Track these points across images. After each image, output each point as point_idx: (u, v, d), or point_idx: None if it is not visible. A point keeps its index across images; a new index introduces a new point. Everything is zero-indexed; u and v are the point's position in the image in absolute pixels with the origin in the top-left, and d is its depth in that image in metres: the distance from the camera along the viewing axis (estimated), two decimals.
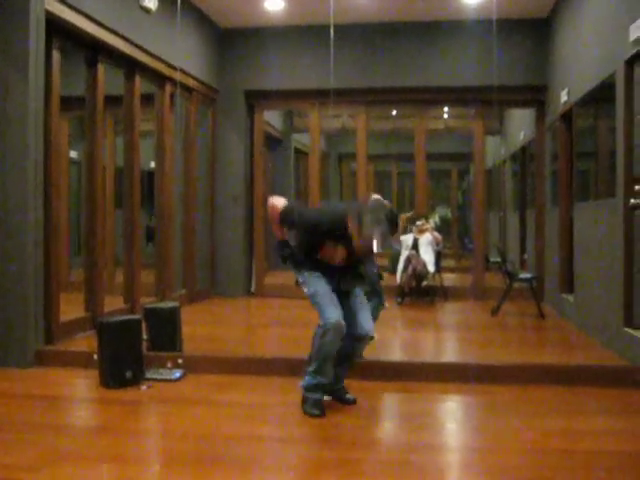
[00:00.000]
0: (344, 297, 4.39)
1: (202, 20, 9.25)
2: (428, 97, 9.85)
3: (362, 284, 4.57)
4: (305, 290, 4.38)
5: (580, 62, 7.33)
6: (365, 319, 4.40)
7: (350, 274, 4.45)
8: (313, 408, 4.29)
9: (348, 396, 4.54)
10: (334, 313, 4.22)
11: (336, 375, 4.46)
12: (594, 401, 4.70)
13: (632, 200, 5.58)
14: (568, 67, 7.94)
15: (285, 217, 4.38)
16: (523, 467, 3.47)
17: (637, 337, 5.41)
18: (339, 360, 4.40)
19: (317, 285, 4.32)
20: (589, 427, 4.18)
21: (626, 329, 5.65)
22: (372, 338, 4.62)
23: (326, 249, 4.36)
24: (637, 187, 5.52)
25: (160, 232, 8.45)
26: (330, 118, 12.81)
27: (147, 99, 8.05)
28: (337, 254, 4.36)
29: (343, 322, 4.21)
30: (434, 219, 14.78)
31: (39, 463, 3.47)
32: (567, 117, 8.05)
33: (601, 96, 6.54)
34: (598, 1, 6.66)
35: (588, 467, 3.48)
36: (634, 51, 5.45)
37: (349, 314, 4.34)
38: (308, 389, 4.35)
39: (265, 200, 8.55)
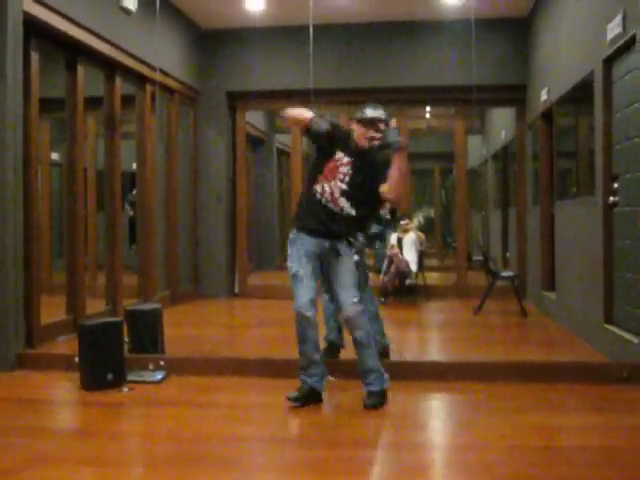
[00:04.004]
0: (332, 264, 4.40)
1: (183, 21, 9.23)
2: (409, 97, 9.89)
3: (352, 239, 4.47)
4: (288, 264, 4.45)
5: (559, 61, 7.38)
6: (345, 296, 4.35)
7: (333, 231, 4.40)
8: (293, 393, 4.42)
9: (366, 402, 4.37)
10: (301, 299, 4.33)
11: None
12: (574, 397, 4.73)
13: (611, 198, 5.63)
14: (547, 66, 7.99)
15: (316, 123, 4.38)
16: (504, 464, 3.49)
17: (617, 334, 5.46)
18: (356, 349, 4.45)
19: (299, 265, 4.38)
20: (569, 423, 4.21)
21: (606, 326, 5.69)
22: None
23: (331, 165, 4.38)
24: (616, 185, 5.57)
25: (142, 233, 8.41)
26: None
27: (128, 100, 8.02)
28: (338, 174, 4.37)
29: (307, 308, 4.30)
30: (418, 218, 14.83)
31: (19, 466, 3.44)
32: (547, 116, 8.10)
33: (580, 95, 6.59)
34: (576, 1, 6.71)
35: (568, 463, 3.50)
36: (611, 50, 5.50)
37: (334, 286, 4.41)
38: (300, 371, 4.49)
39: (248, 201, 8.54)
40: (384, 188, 4.38)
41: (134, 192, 9.07)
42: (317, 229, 4.40)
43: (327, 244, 4.40)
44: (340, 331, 5.43)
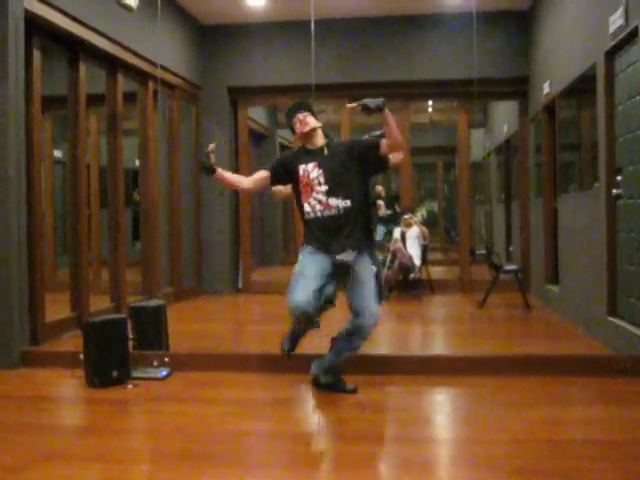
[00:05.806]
0: (346, 274, 4.42)
1: (184, 17, 9.22)
2: (412, 91, 9.87)
3: (359, 246, 4.44)
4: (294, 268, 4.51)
5: (561, 54, 7.36)
6: (362, 302, 4.41)
7: (344, 237, 4.40)
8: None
9: (349, 386, 4.56)
10: (295, 295, 4.33)
11: (334, 364, 4.53)
12: (579, 391, 4.73)
13: (614, 190, 5.62)
14: (550, 59, 7.97)
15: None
16: (509, 457, 3.49)
17: (621, 326, 5.46)
18: (340, 345, 4.52)
19: (303, 265, 4.43)
20: (574, 416, 4.21)
21: (610, 319, 5.69)
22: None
23: (304, 182, 4.45)
24: (619, 177, 5.56)
25: (145, 230, 8.42)
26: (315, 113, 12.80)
27: (130, 97, 8.02)
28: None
29: (301, 306, 4.29)
30: (421, 212, 14.82)
31: (25, 463, 3.46)
32: (550, 109, 8.08)
33: (583, 87, 6.57)
34: None
35: (573, 456, 3.50)
36: (614, 42, 5.48)
37: (352, 295, 4.46)
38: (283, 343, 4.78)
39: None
40: (383, 144, 4.44)
41: None
42: (323, 247, 4.44)
43: (336, 261, 4.40)
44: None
